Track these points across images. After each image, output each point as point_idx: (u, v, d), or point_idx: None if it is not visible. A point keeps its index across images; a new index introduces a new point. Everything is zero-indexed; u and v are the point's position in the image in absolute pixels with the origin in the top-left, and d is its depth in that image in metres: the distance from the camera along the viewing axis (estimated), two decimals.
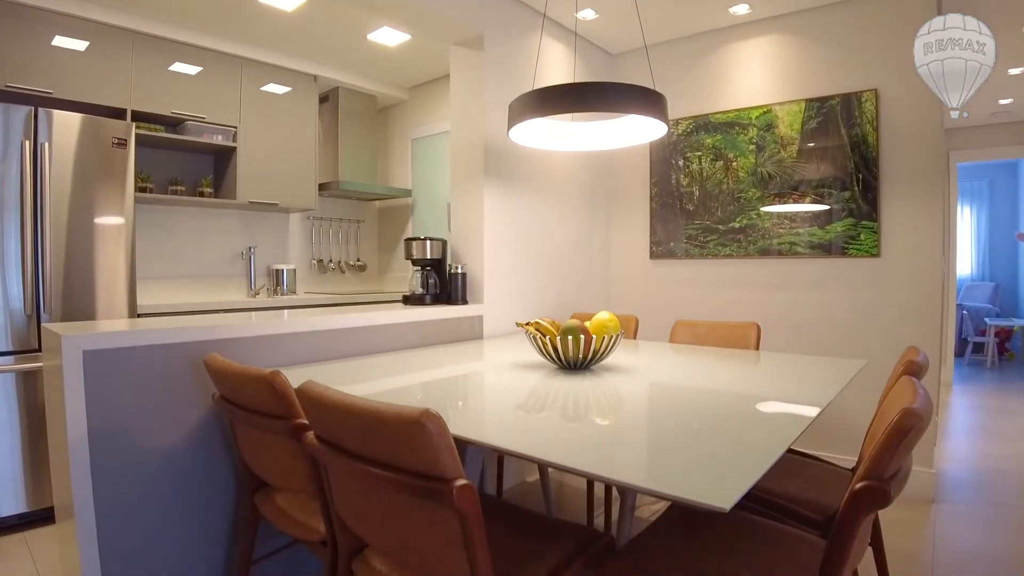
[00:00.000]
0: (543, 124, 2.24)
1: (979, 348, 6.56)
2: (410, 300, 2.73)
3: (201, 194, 3.61)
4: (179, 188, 3.53)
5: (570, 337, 1.78)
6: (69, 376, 1.63)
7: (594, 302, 3.55)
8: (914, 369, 1.53)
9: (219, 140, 3.56)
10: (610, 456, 1.12)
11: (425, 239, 2.71)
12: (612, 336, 1.84)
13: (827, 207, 2.89)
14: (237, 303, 3.59)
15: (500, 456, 2.78)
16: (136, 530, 1.78)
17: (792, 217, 3.00)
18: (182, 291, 3.67)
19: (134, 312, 3.00)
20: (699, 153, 3.28)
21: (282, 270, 3.92)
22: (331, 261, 4.38)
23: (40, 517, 2.52)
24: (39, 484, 2.51)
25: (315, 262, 4.29)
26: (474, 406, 1.52)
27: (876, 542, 1.91)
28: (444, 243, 2.79)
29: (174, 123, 3.51)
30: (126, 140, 2.92)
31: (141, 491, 1.78)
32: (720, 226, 3.22)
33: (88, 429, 1.66)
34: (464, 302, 2.73)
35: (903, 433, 1.01)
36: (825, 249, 2.91)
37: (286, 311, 2.62)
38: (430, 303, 2.69)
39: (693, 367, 2.01)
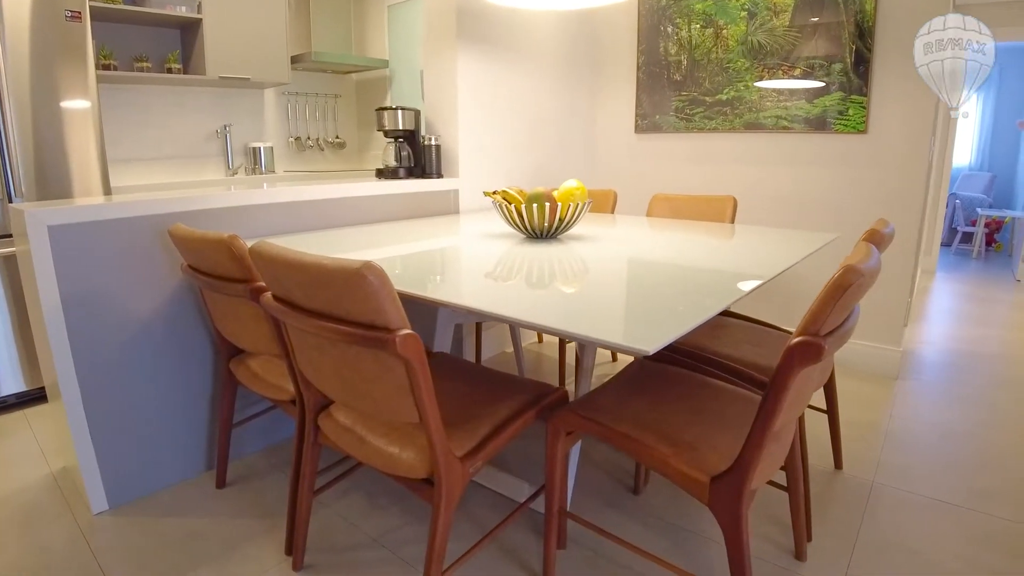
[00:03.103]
0: None
1: (968, 238, 6.51)
2: (383, 174, 2.68)
3: (169, 70, 3.43)
4: (145, 65, 3.35)
5: (535, 205, 1.76)
6: (37, 252, 1.63)
7: (577, 177, 3.47)
8: (875, 239, 1.51)
9: (183, 12, 3.34)
10: (553, 311, 1.14)
11: (397, 108, 2.61)
12: (578, 204, 1.81)
13: (822, 83, 2.75)
14: (215, 182, 3.53)
15: (479, 327, 2.84)
16: (121, 401, 1.85)
17: (780, 89, 2.88)
18: (159, 172, 3.60)
19: (108, 192, 2.95)
20: (689, 19, 3.09)
21: (259, 148, 3.82)
22: (309, 139, 4.25)
23: (39, 395, 2.62)
24: (34, 363, 2.59)
25: (292, 140, 4.16)
26: (439, 274, 1.52)
27: (831, 411, 2.00)
28: (418, 113, 2.69)
29: None
30: (80, 13, 2.75)
31: (123, 364, 1.84)
32: (707, 98, 3.09)
33: (63, 304, 1.68)
34: (439, 175, 2.67)
35: (842, 289, 1.01)
36: (812, 124, 2.82)
37: (265, 183, 2.57)
38: (404, 176, 2.64)
39: (662, 239, 2.00)
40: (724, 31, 2.98)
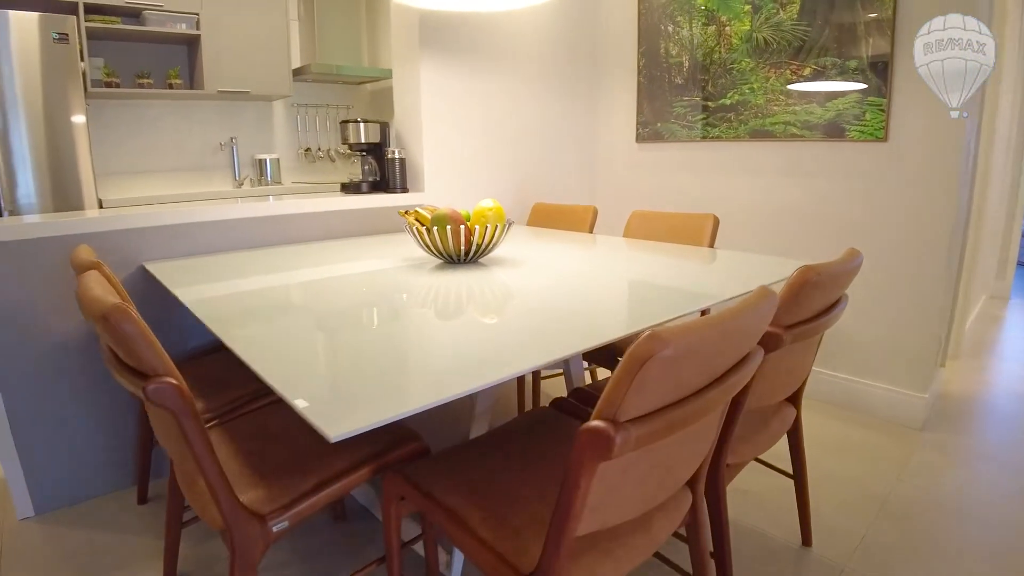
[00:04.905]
0: None
1: None
2: (348, 188, 2.59)
3: (171, 86, 3.51)
4: (146, 81, 3.44)
5: (436, 228, 1.59)
6: None
7: (568, 192, 3.24)
8: (806, 277, 1.20)
9: (183, 28, 3.40)
10: (294, 359, 1.04)
11: (360, 121, 2.51)
12: (492, 227, 1.63)
13: (835, 84, 2.40)
14: (221, 194, 3.57)
15: None
16: (49, 412, 1.88)
17: (788, 91, 2.55)
18: (165, 184, 3.69)
19: (101, 205, 3.08)
20: (690, 16, 2.81)
21: (265, 160, 3.84)
22: (320, 149, 4.25)
23: None
24: None
25: (303, 151, 4.17)
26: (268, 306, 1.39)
27: (798, 472, 1.67)
28: (384, 126, 2.58)
29: (132, 13, 3.36)
30: (67, 35, 2.88)
31: (49, 376, 1.86)
32: (710, 103, 2.79)
33: None
34: (403, 190, 2.54)
35: (637, 362, 0.74)
36: (824, 131, 2.48)
37: (271, 196, 2.56)
38: (367, 191, 2.54)
39: (596, 265, 1.79)
40: (727, 28, 2.69)
